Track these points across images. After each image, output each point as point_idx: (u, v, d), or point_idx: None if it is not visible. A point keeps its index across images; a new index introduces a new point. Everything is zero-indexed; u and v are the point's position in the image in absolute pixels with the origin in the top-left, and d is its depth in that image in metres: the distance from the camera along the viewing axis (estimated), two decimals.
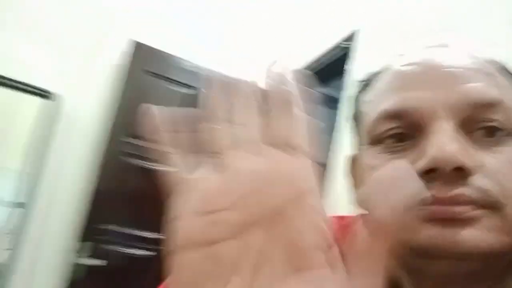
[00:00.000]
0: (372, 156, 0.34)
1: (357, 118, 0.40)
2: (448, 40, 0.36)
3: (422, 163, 0.29)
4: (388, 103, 0.32)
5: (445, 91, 0.31)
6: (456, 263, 0.29)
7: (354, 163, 0.40)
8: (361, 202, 0.24)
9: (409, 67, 0.33)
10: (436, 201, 0.28)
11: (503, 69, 0.35)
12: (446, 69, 0.32)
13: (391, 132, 0.32)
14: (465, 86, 0.30)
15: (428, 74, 0.32)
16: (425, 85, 0.31)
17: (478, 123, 0.30)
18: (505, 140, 0.30)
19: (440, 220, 0.28)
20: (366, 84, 0.40)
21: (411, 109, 0.31)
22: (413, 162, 0.29)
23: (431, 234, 0.28)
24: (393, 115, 0.32)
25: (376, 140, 0.34)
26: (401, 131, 0.32)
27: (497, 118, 0.30)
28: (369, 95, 0.38)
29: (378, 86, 0.37)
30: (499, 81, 0.33)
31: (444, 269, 0.30)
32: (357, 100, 0.41)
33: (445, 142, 0.28)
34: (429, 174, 0.28)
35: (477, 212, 0.28)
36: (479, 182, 0.28)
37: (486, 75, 0.32)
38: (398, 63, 0.35)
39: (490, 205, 0.28)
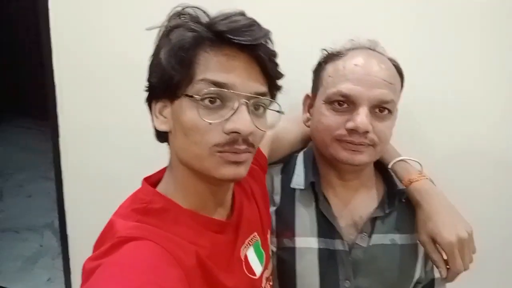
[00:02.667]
0: (325, 108, 0.72)
1: (318, 75, 0.76)
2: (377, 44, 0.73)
3: (350, 125, 0.68)
4: (343, 87, 0.68)
5: (369, 91, 0.67)
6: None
7: (311, 102, 0.78)
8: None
9: (358, 68, 0.68)
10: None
11: (400, 72, 0.73)
12: (374, 77, 0.67)
13: (339, 100, 0.69)
14: (379, 90, 0.67)
15: (365, 77, 0.67)
16: (362, 84, 0.67)
17: (379, 108, 0.69)
18: (387, 116, 0.70)
19: (349, 149, 0.70)
20: (331, 57, 0.74)
21: (352, 96, 0.68)
22: (345, 121, 0.68)
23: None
24: (343, 95, 0.68)
25: (329, 101, 0.71)
26: (345, 103, 0.69)
27: (388, 107, 0.69)
28: (331, 70, 0.72)
29: (338, 68, 0.70)
30: (396, 87, 0.71)
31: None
32: (322, 65, 0.76)
33: (363, 118, 0.66)
34: (353, 131, 0.68)
35: (368, 147, 0.69)
36: (371, 135, 0.68)
37: (391, 84, 0.69)
38: (351, 60, 0.70)
39: (373, 144, 0.69)
